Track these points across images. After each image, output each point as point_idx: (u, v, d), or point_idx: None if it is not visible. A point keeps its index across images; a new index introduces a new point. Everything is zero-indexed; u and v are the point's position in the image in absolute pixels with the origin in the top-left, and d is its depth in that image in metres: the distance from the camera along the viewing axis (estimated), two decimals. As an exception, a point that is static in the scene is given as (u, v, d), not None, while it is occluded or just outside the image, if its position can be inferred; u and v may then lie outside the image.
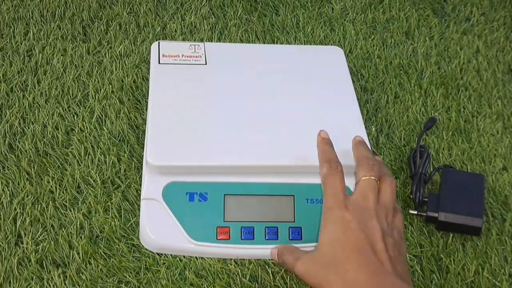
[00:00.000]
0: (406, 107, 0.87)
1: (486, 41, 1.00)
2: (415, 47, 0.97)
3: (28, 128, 0.78)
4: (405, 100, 0.88)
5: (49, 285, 0.63)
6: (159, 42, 0.81)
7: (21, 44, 0.90)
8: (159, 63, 0.78)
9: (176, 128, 0.70)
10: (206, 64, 0.79)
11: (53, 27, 0.93)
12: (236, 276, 0.65)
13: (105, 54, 0.89)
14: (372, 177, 0.61)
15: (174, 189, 0.68)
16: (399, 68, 0.93)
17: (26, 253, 0.65)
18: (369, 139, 0.74)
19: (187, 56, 0.80)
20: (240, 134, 0.70)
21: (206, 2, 1.01)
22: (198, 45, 0.81)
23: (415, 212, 0.72)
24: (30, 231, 0.67)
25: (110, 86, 0.84)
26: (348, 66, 0.82)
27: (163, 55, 0.79)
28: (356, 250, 0.55)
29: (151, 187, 0.68)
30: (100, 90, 0.83)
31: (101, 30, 0.94)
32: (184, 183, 0.68)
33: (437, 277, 0.67)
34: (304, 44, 0.96)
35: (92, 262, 0.65)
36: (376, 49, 0.96)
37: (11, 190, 0.71)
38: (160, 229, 0.66)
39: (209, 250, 0.66)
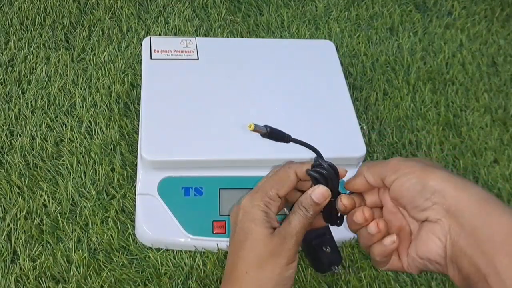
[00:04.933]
0: (396, 104, 0.87)
1: (468, 34, 1.01)
2: (400, 43, 0.98)
3: (16, 140, 0.76)
4: (394, 96, 0.88)
5: (50, 302, 0.62)
6: (150, 38, 0.80)
7: (2, 54, 0.87)
8: (151, 58, 0.77)
9: (170, 123, 0.69)
10: (198, 59, 0.78)
11: (34, 35, 0.91)
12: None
13: (89, 61, 0.88)
14: None
15: (169, 184, 0.68)
16: (386, 64, 0.94)
17: (24, 270, 0.63)
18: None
19: (179, 51, 0.79)
20: (235, 129, 0.70)
21: (188, 4, 1.00)
22: (190, 40, 0.81)
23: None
24: (26, 248, 0.65)
25: (98, 94, 0.82)
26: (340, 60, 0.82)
27: (155, 51, 0.78)
28: None
29: (146, 182, 0.68)
30: (87, 98, 0.82)
31: (84, 36, 0.92)
32: (179, 177, 0.68)
33: (438, 273, 0.67)
34: (290, 44, 0.96)
35: (92, 276, 0.64)
36: (362, 46, 0.96)
37: (3, 206, 0.69)
38: (156, 224, 0.66)
39: (206, 244, 0.66)
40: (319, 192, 0.53)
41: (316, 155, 0.57)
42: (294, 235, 0.53)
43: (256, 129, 0.54)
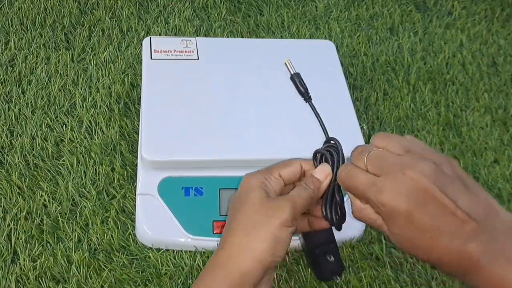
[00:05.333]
0: (396, 104, 0.87)
1: (469, 34, 1.01)
2: (400, 43, 0.98)
3: (16, 140, 0.76)
4: (394, 96, 0.88)
5: (50, 302, 0.62)
6: (150, 38, 0.80)
7: (3, 54, 0.87)
8: (151, 58, 0.77)
9: (171, 123, 0.69)
10: (198, 59, 0.78)
11: (34, 35, 0.91)
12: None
13: (90, 61, 0.88)
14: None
15: (169, 184, 0.68)
16: (386, 64, 0.94)
17: (24, 270, 0.63)
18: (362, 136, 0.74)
19: (179, 51, 0.79)
20: (235, 129, 0.70)
21: (189, 4, 1.00)
22: (190, 40, 0.81)
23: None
24: (26, 248, 0.65)
25: (98, 94, 0.82)
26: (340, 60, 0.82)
27: (155, 51, 0.78)
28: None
29: (147, 182, 0.68)
30: (88, 98, 0.82)
31: (84, 36, 0.92)
32: (180, 177, 0.68)
33: (439, 273, 0.67)
34: (290, 44, 0.96)
35: (93, 276, 0.64)
36: (362, 46, 0.96)
37: (3, 206, 0.69)
38: (156, 224, 0.66)
39: (206, 244, 0.66)
40: (321, 169, 0.54)
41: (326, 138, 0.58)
42: (291, 201, 0.51)
43: (288, 66, 0.71)
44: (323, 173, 0.54)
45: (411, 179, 0.44)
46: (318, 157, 0.56)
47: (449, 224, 0.43)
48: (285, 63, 0.72)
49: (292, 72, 0.73)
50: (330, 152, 0.56)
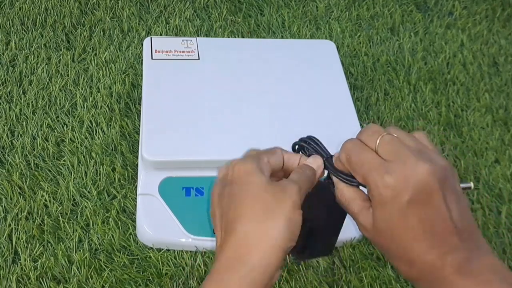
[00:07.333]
0: (397, 104, 0.87)
1: (469, 34, 1.01)
2: (401, 43, 0.98)
3: (17, 140, 0.76)
4: (395, 97, 0.88)
5: (51, 302, 0.62)
6: (151, 38, 0.80)
7: (3, 54, 0.87)
8: (152, 58, 0.77)
9: (171, 124, 0.69)
10: (199, 59, 0.78)
11: (35, 36, 0.91)
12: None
13: (90, 61, 0.88)
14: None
15: (170, 184, 0.68)
16: (387, 65, 0.93)
17: (25, 270, 0.63)
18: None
19: (180, 52, 0.79)
20: (235, 129, 0.70)
21: (189, 4, 1.00)
22: (191, 40, 0.81)
23: None
24: (27, 248, 0.65)
25: (99, 94, 0.82)
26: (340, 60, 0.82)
27: (156, 51, 0.78)
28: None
29: (147, 182, 0.68)
30: (89, 98, 0.82)
31: (85, 36, 0.92)
32: (180, 178, 0.68)
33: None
34: (291, 44, 0.96)
35: (94, 276, 0.64)
36: (363, 46, 0.96)
37: (4, 206, 0.69)
38: (157, 224, 0.66)
39: (206, 244, 0.66)
40: (314, 160, 0.52)
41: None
42: (296, 182, 0.48)
43: None
44: (315, 163, 0.53)
45: (423, 173, 0.43)
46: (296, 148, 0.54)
47: (437, 231, 0.43)
48: None
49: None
50: (308, 142, 0.54)
